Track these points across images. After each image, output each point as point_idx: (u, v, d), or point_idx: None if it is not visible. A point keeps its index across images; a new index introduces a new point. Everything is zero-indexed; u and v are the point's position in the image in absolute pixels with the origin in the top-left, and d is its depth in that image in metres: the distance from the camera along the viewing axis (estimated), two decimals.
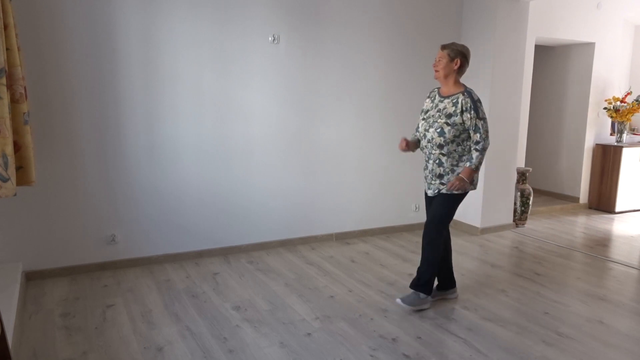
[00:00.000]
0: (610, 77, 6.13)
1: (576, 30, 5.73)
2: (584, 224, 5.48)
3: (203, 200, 3.98)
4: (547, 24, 5.50)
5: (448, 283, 3.28)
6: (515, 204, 5.17)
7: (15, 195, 2.66)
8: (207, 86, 3.86)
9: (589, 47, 5.96)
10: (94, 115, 3.53)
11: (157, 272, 3.70)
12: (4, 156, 2.53)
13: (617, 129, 6.06)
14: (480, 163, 2.91)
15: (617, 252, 4.43)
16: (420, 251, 4.28)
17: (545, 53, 6.43)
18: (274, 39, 4.04)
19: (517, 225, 5.22)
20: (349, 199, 4.64)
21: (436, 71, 3.00)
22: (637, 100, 5.85)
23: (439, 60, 2.98)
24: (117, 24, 3.50)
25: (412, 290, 3.14)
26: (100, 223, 3.66)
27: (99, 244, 3.68)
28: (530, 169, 5.43)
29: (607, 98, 6.06)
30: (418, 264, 3.94)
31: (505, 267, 3.98)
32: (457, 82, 2.99)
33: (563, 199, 6.36)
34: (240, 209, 4.14)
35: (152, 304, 3.13)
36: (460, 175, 2.91)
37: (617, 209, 5.95)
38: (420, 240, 4.61)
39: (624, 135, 6.02)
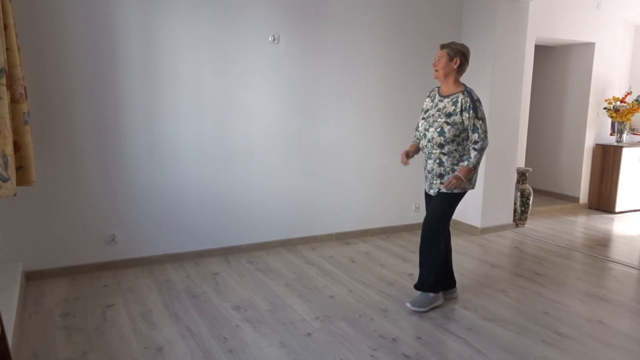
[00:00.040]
0: (610, 77, 6.13)
1: (576, 30, 5.73)
2: (584, 224, 5.48)
3: (203, 200, 3.98)
4: (547, 24, 5.51)
5: (448, 283, 3.27)
6: (515, 204, 5.17)
7: (15, 195, 2.66)
8: (207, 86, 3.86)
9: (589, 47, 5.96)
10: (94, 115, 3.53)
11: (157, 272, 3.70)
12: (4, 156, 2.53)
13: (617, 129, 6.07)
14: (478, 163, 2.91)
15: (617, 252, 4.43)
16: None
17: (545, 53, 6.43)
18: (274, 39, 4.04)
19: (517, 225, 5.22)
20: (349, 199, 4.64)
21: (436, 70, 3.01)
22: (637, 100, 5.85)
23: (439, 60, 2.98)
24: (117, 24, 3.50)
25: (418, 292, 3.15)
26: (100, 223, 3.66)
27: (99, 244, 3.68)
28: (530, 169, 5.43)
29: (607, 98, 6.06)
30: (418, 264, 3.95)
31: (505, 267, 3.98)
32: (456, 82, 2.99)
33: (563, 199, 6.36)
34: (240, 209, 4.14)
35: (152, 304, 3.13)
36: (457, 173, 2.91)
37: (617, 209, 5.95)
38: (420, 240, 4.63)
39: (624, 135, 6.02)
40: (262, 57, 4.02)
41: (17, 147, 2.88)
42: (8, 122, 2.57)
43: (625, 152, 5.85)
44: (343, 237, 4.66)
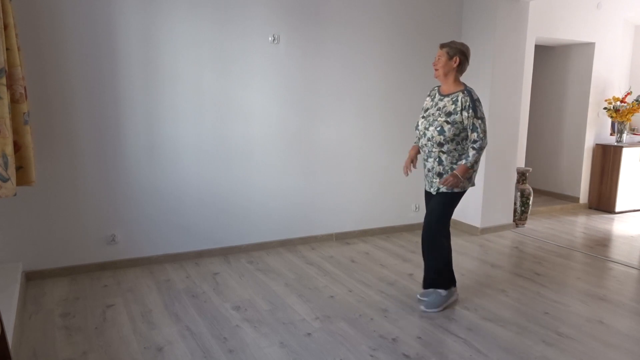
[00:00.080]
0: (610, 77, 6.13)
1: (576, 30, 5.73)
2: (584, 224, 5.48)
3: (203, 200, 3.98)
4: (547, 24, 5.51)
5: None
6: (515, 204, 5.17)
7: (15, 195, 2.66)
8: (207, 86, 3.86)
9: (589, 47, 5.96)
10: (94, 115, 3.53)
11: (157, 272, 3.70)
12: (4, 156, 2.53)
13: (617, 129, 6.07)
14: (476, 162, 2.91)
15: (617, 252, 4.43)
16: (420, 251, 4.30)
17: (545, 53, 6.43)
18: (274, 39, 4.04)
19: (517, 225, 5.22)
20: (349, 199, 4.64)
21: (436, 70, 3.01)
22: (637, 100, 5.85)
23: (438, 59, 2.98)
24: (117, 24, 3.50)
25: (428, 293, 3.17)
26: (100, 223, 3.66)
27: (99, 244, 3.68)
28: (530, 169, 5.43)
29: (607, 98, 6.06)
30: (418, 263, 3.96)
31: (505, 267, 3.98)
32: (456, 81, 2.99)
33: (563, 199, 6.36)
34: (240, 209, 4.14)
35: (152, 304, 3.13)
36: (455, 172, 2.91)
37: (617, 209, 5.95)
38: (420, 240, 4.63)
39: (624, 135, 6.02)
40: (262, 57, 4.02)
41: (17, 147, 2.87)
42: (8, 122, 2.57)
43: (625, 152, 5.85)
44: (343, 237, 4.66)
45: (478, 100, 2.91)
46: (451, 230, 3.15)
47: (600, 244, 4.66)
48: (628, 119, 5.90)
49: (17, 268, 3.28)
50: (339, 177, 4.55)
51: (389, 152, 4.74)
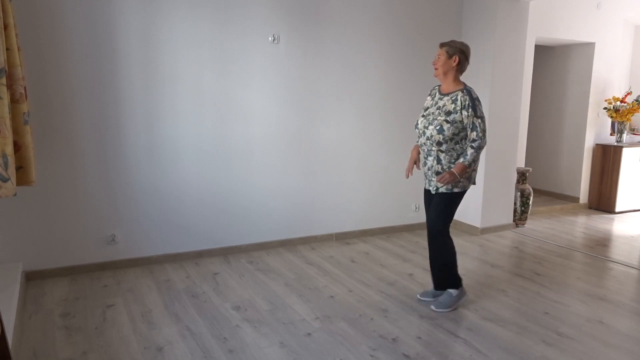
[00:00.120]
0: (610, 77, 6.13)
1: (576, 30, 5.73)
2: (584, 224, 5.48)
3: (203, 200, 3.98)
4: (547, 24, 5.50)
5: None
6: (515, 204, 5.17)
7: (15, 195, 2.66)
8: (207, 86, 3.86)
9: (589, 47, 5.96)
10: (94, 115, 3.53)
11: (157, 272, 3.70)
12: (4, 156, 2.53)
13: (617, 129, 6.06)
14: (474, 161, 2.91)
15: (617, 252, 4.43)
16: (420, 251, 4.30)
17: (545, 53, 6.43)
18: (274, 39, 4.04)
19: (517, 225, 5.22)
20: (349, 199, 4.64)
21: (435, 69, 3.01)
22: (637, 100, 5.85)
23: (438, 58, 2.98)
24: (117, 24, 3.50)
25: (436, 293, 3.19)
26: (100, 223, 3.66)
27: (99, 244, 3.68)
28: (530, 169, 5.43)
29: (607, 98, 6.06)
30: (418, 263, 3.96)
31: (505, 267, 3.98)
32: (456, 80, 2.99)
33: (563, 199, 6.36)
34: (240, 209, 4.14)
35: (152, 304, 3.13)
36: (452, 170, 2.91)
37: (617, 209, 5.95)
38: (420, 240, 4.64)
39: (624, 135, 6.02)
40: (262, 57, 4.02)
41: (17, 147, 2.88)
42: (8, 122, 2.57)
43: (625, 152, 5.85)
44: (343, 237, 4.66)
45: (477, 99, 2.91)
46: (451, 230, 3.15)
47: (600, 244, 4.66)
48: (628, 119, 5.90)
49: (17, 268, 3.28)
50: (339, 177, 4.55)
51: (389, 152, 4.74)
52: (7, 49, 2.70)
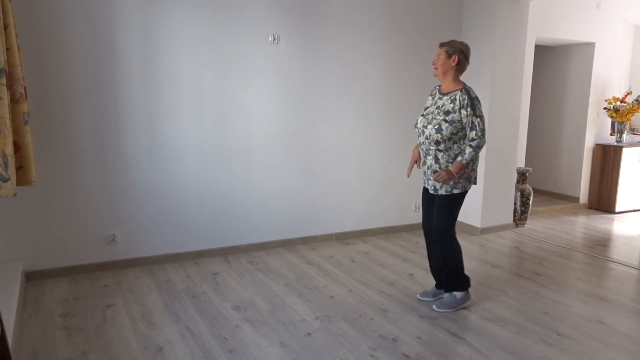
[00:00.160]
0: (610, 77, 6.13)
1: (576, 30, 5.73)
2: (584, 224, 5.48)
3: (203, 200, 3.98)
4: (547, 24, 5.50)
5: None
6: (515, 204, 5.17)
7: (15, 195, 2.66)
8: (207, 86, 3.86)
9: (589, 47, 5.96)
10: (94, 115, 3.53)
11: (157, 272, 3.70)
12: (4, 156, 2.53)
13: (617, 129, 6.06)
14: (472, 160, 2.91)
15: (617, 252, 4.43)
16: (420, 251, 4.30)
17: (545, 53, 6.43)
18: (274, 39, 4.04)
19: (517, 225, 5.22)
20: (349, 199, 4.64)
21: (435, 68, 3.01)
22: (637, 100, 5.85)
23: (438, 58, 2.98)
24: (117, 24, 3.50)
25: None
26: (100, 223, 3.66)
27: (99, 244, 3.68)
28: (530, 169, 5.43)
29: (607, 98, 6.06)
30: (418, 263, 3.96)
31: (505, 267, 3.97)
32: (456, 80, 2.99)
33: (563, 199, 6.36)
34: (240, 209, 4.14)
35: (152, 304, 3.13)
36: (449, 168, 2.91)
37: (617, 209, 5.95)
38: (420, 240, 4.63)
39: (624, 135, 6.02)
40: (262, 57, 4.02)
41: (17, 147, 2.88)
42: (8, 122, 2.57)
43: (625, 152, 5.85)
44: (343, 237, 4.66)
45: (477, 98, 2.91)
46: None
47: (600, 244, 4.66)
48: (628, 119, 5.90)
49: (17, 268, 3.28)
50: (339, 177, 4.55)
51: (389, 152, 4.74)
52: (7, 49, 2.70)
